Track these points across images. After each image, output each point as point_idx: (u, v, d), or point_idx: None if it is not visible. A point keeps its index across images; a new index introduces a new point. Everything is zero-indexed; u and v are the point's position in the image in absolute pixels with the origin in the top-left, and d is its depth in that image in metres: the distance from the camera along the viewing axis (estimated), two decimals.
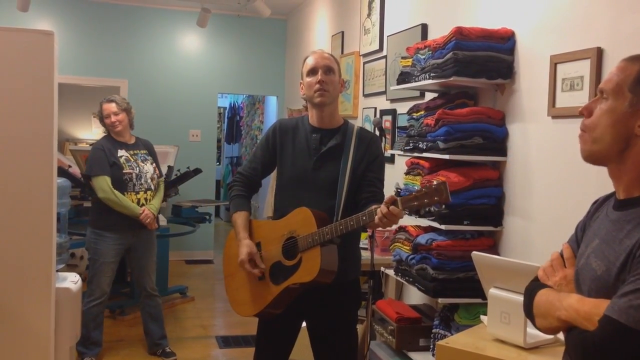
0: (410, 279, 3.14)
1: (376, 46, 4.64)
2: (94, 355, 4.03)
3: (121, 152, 4.01)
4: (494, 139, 2.96)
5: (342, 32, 5.55)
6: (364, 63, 4.96)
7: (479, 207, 2.95)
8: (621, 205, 1.29)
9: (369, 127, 4.54)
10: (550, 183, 2.68)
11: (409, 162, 3.32)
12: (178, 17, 7.33)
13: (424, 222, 3.13)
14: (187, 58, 7.42)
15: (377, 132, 2.76)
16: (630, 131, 1.24)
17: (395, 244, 3.32)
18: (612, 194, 1.35)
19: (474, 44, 2.89)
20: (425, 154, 3.07)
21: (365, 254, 3.39)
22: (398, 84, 3.48)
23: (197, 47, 7.46)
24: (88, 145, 8.24)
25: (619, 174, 1.29)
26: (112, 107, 4.01)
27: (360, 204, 2.33)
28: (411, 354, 3.14)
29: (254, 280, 2.46)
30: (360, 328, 3.20)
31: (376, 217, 2.10)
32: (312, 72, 2.43)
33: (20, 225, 2.90)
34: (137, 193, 4.00)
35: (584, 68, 2.43)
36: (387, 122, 4.30)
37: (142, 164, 4.06)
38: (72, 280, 3.30)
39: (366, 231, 3.70)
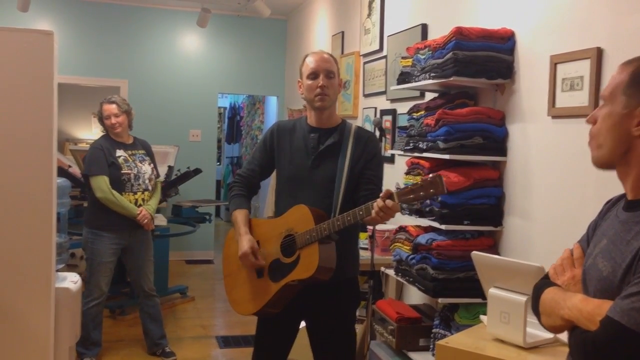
0: (411, 279, 3.14)
1: (376, 46, 4.64)
2: (94, 356, 4.02)
3: (119, 152, 4.01)
4: (494, 139, 2.96)
5: (342, 32, 5.55)
6: (364, 63, 4.96)
7: (479, 207, 2.95)
8: (630, 206, 1.30)
9: (369, 127, 4.54)
10: (550, 183, 2.68)
11: (409, 162, 3.32)
12: (178, 17, 7.33)
13: (424, 222, 3.13)
14: (187, 58, 7.42)
15: (377, 132, 2.77)
16: (629, 133, 1.26)
17: (395, 243, 3.32)
18: (624, 195, 1.35)
19: (474, 44, 2.88)
20: (425, 154, 3.07)
21: (365, 254, 3.41)
22: (398, 84, 3.48)
23: (197, 47, 7.46)
24: (88, 145, 8.26)
25: (625, 176, 1.31)
26: (113, 108, 4.01)
27: (359, 202, 2.33)
28: (411, 354, 3.14)
29: (253, 278, 2.47)
30: (360, 328, 3.20)
31: (373, 211, 2.11)
32: (314, 75, 2.43)
33: (20, 225, 2.90)
34: (135, 193, 4.00)
35: (583, 68, 2.43)
36: (387, 122, 4.30)
37: (140, 165, 4.06)
38: (71, 280, 3.30)
39: (366, 231, 3.71)
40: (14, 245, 2.89)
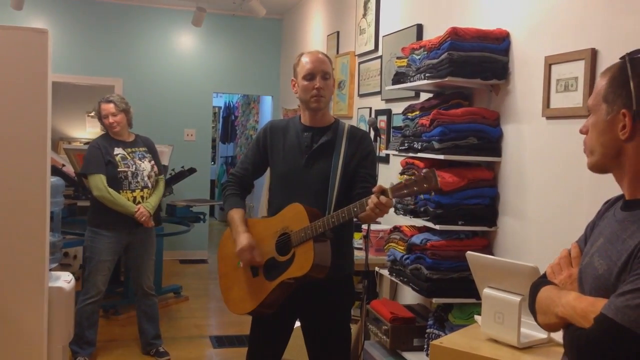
0: (405, 279, 3.14)
1: (371, 46, 4.64)
2: (87, 355, 4.01)
3: (118, 151, 4.00)
4: (489, 140, 2.97)
5: (338, 32, 5.55)
6: (359, 63, 4.96)
7: (474, 207, 2.95)
8: (626, 206, 1.31)
9: (364, 127, 4.54)
10: (545, 183, 2.68)
11: (404, 162, 3.32)
12: (173, 16, 7.31)
13: (419, 222, 3.14)
14: (182, 57, 7.41)
15: (372, 132, 2.77)
16: (616, 138, 1.29)
17: (390, 244, 3.32)
18: (623, 195, 1.37)
19: (469, 44, 2.89)
20: (420, 154, 3.07)
21: (359, 254, 3.40)
22: (393, 84, 3.49)
23: (192, 46, 7.45)
24: (82, 144, 8.23)
25: (620, 178, 1.34)
26: (111, 107, 4.00)
27: (353, 201, 2.34)
28: (405, 354, 3.14)
29: (249, 277, 2.47)
30: (354, 328, 3.20)
31: (367, 208, 2.12)
32: (310, 76, 2.43)
33: (14, 224, 2.89)
34: (133, 191, 3.99)
35: (578, 69, 2.44)
36: (382, 122, 4.30)
37: (139, 162, 4.05)
38: (65, 280, 3.29)
39: (360, 231, 3.71)
40: (7, 244, 2.88)
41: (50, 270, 3.19)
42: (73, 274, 3.54)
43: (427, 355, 2.97)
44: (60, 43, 6.73)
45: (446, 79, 2.89)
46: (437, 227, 2.92)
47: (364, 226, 3.47)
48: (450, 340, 2.14)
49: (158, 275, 5.45)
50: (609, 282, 1.23)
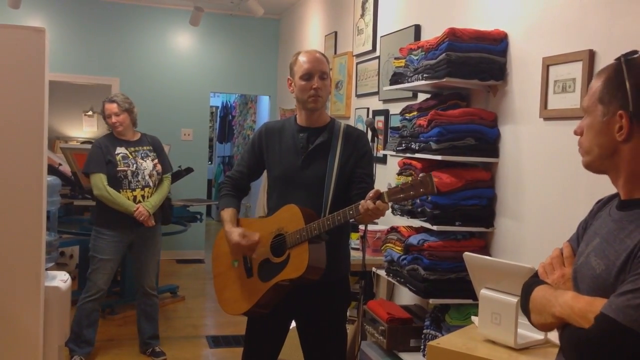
0: (402, 280, 3.14)
1: (369, 47, 4.64)
2: (85, 355, 4.00)
3: (120, 150, 4.00)
4: (486, 140, 2.97)
5: (336, 32, 5.55)
6: (357, 63, 4.96)
7: (471, 208, 2.96)
8: (623, 206, 1.31)
9: (361, 127, 4.54)
10: (542, 184, 2.69)
11: (401, 163, 3.32)
12: (171, 15, 7.30)
13: (416, 223, 3.14)
14: (179, 57, 7.39)
15: (370, 133, 2.77)
16: (612, 139, 1.29)
17: (387, 244, 3.32)
18: (616, 195, 1.37)
19: (467, 45, 2.89)
20: (417, 155, 3.07)
21: (356, 254, 3.40)
22: (391, 84, 3.49)
23: (189, 45, 7.44)
24: (79, 143, 8.22)
25: (616, 178, 1.34)
26: (114, 107, 4.01)
27: (351, 201, 2.33)
28: (402, 355, 3.14)
29: (243, 278, 2.47)
30: (351, 328, 3.20)
31: (362, 212, 2.12)
32: (307, 76, 2.41)
33: (10, 223, 2.88)
34: (133, 190, 3.98)
35: (576, 70, 2.44)
36: (379, 122, 4.30)
37: (141, 161, 4.04)
38: (61, 279, 3.28)
39: (358, 231, 3.71)
40: (3, 243, 2.87)
41: (47, 269, 3.19)
42: (69, 273, 3.53)
43: (424, 355, 2.97)
44: (57, 42, 6.71)
45: (444, 80, 2.89)
46: (435, 227, 2.92)
47: (361, 227, 3.48)
48: (447, 341, 2.13)
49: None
50: (607, 282, 1.23)
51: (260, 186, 6.15)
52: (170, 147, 6.48)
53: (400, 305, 3.46)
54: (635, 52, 1.29)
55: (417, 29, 3.85)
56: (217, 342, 4.67)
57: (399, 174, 3.33)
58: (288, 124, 2.54)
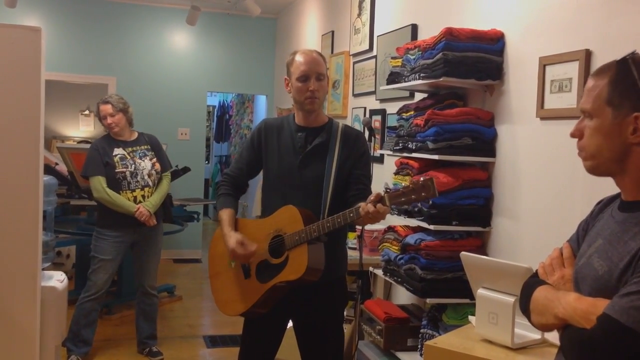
0: (399, 279, 3.14)
1: (366, 46, 4.64)
2: (82, 354, 3.99)
3: (117, 151, 4.00)
4: (483, 140, 2.97)
5: (332, 32, 5.54)
6: (354, 63, 4.95)
7: (468, 207, 2.96)
8: (627, 207, 1.30)
9: (358, 127, 4.54)
10: (539, 184, 2.69)
11: (398, 162, 3.32)
12: (167, 14, 7.29)
13: (413, 222, 3.14)
14: (176, 56, 7.39)
15: (367, 132, 2.76)
16: (624, 140, 1.26)
17: (384, 244, 3.32)
18: (617, 195, 1.36)
19: (464, 44, 2.89)
20: (414, 154, 3.07)
21: (353, 254, 3.40)
22: (388, 84, 3.48)
23: (186, 45, 7.43)
24: (75, 143, 8.21)
25: (622, 182, 1.32)
26: (108, 108, 4.00)
27: (348, 202, 2.33)
28: (399, 354, 3.14)
29: (241, 279, 2.46)
30: (348, 328, 3.20)
31: (363, 215, 2.11)
32: (304, 78, 2.39)
33: (6, 223, 2.87)
34: (133, 191, 3.98)
35: (572, 70, 2.45)
36: (376, 122, 4.30)
37: (139, 161, 4.04)
38: (57, 279, 3.27)
39: (354, 231, 3.71)
40: (0, 243, 2.86)
41: (43, 269, 3.17)
42: (66, 273, 3.52)
43: (421, 355, 2.97)
44: (53, 41, 6.70)
45: (441, 79, 2.89)
46: (432, 227, 2.92)
47: (358, 226, 3.47)
48: (444, 340, 2.14)
49: None
50: (610, 283, 1.23)
51: (258, 185, 6.14)
52: (167, 147, 6.47)
53: (397, 305, 3.46)
54: (635, 53, 1.28)
55: (414, 28, 3.85)
56: (214, 341, 4.67)
57: (396, 173, 3.33)
58: (287, 123, 2.53)
